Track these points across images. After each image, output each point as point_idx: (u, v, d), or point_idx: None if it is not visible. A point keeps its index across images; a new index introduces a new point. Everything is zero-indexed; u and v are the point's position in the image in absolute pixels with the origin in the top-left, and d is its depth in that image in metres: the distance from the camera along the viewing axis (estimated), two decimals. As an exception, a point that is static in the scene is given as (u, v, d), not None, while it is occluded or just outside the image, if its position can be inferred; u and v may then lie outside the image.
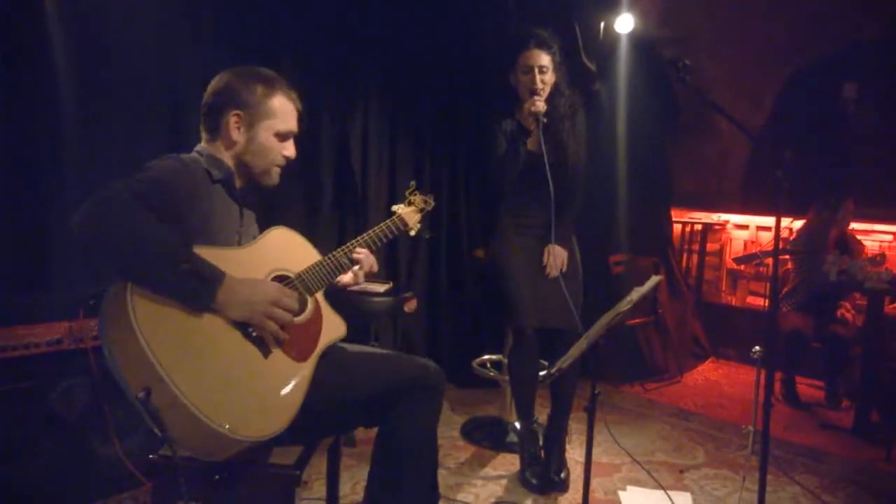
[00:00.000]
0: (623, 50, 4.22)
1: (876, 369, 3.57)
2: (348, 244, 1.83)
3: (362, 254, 1.84)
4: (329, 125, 3.42)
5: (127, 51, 2.55)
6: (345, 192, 3.52)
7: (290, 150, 1.75)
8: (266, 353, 1.52)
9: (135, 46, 2.57)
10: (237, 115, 1.66)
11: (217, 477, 1.46)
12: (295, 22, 3.17)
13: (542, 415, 2.97)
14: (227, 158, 1.70)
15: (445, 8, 3.83)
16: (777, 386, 4.08)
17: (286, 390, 1.53)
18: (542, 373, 2.89)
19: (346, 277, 1.90)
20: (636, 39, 4.27)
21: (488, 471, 2.88)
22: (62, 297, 2.19)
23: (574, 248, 2.83)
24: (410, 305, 2.98)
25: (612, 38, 4.20)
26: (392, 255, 3.80)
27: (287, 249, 1.74)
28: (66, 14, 2.35)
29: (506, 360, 3.24)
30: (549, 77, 2.63)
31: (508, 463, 2.95)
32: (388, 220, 1.95)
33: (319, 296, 1.74)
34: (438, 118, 3.94)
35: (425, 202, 2.10)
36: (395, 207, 2.04)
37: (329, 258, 1.77)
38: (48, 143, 2.35)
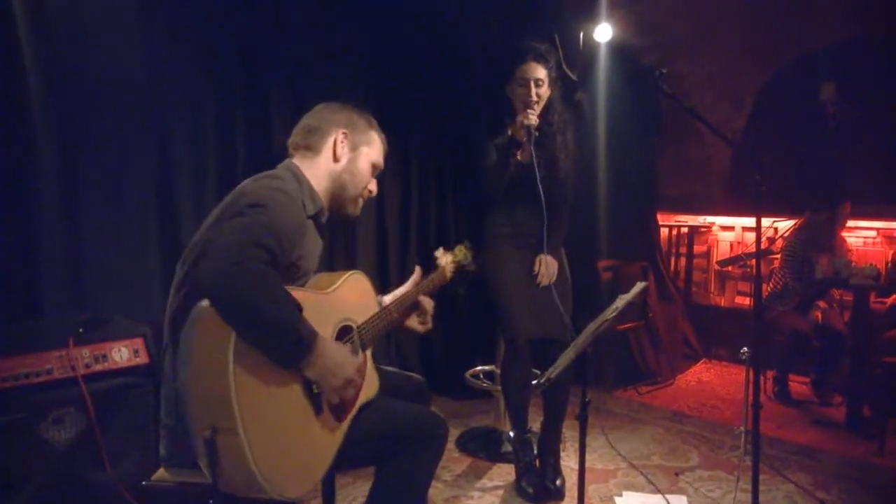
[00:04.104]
0: (603, 59, 4.27)
1: (865, 364, 3.61)
2: (396, 301, 1.96)
3: (425, 300, 2.02)
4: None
5: (111, 76, 2.55)
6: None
7: (374, 185, 1.90)
8: (318, 411, 1.55)
9: (119, 68, 2.57)
10: (345, 133, 1.79)
11: (210, 501, 1.46)
12: (282, 37, 3.18)
13: (535, 423, 2.98)
14: (324, 180, 1.78)
15: (432, 19, 3.86)
16: (769, 384, 4.11)
17: (323, 454, 1.57)
18: (533, 382, 2.91)
19: (414, 323, 2.04)
20: (616, 48, 4.31)
21: (484, 482, 2.89)
22: (51, 326, 2.19)
23: (562, 257, 2.85)
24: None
25: (592, 47, 4.25)
26: (382, 266, 3.81)
27: (357, 297, 1.82)
28: (45, 33, 2.35)
29: (499, 371, 3.25)
30: (545, 91, 2.66)
31: (504, 473, 2.96)
32: (432, 275, 2.10)
33: (368, 352, 1.81)
34: (426, 129, 3.97)
35: (465, 257, 2.25)
36: (438, 253, 2.19)
37: (384, 311, 1.88)
38: (34, 172, 2.35)
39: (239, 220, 1.47)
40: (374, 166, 1.87)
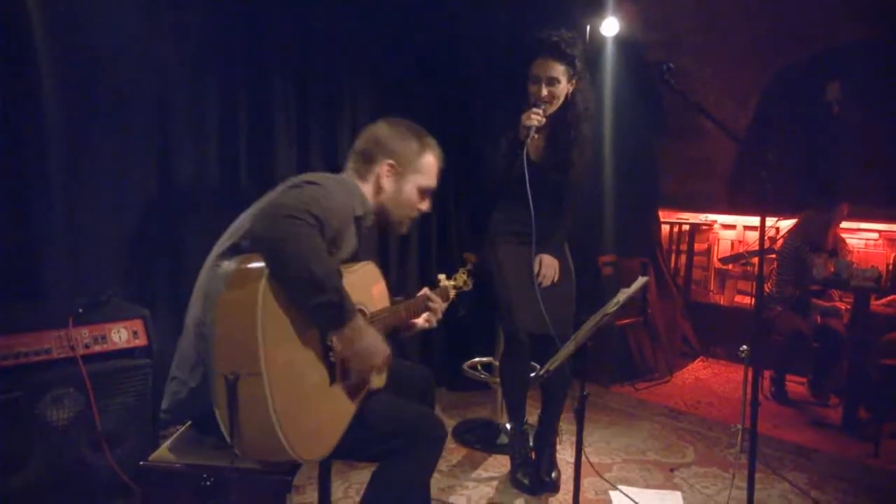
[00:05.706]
0: (609, 53, 4.26)
1: (863, 366, 3.61)
2: (406, 303, 1.96)
3: (437, 303, 2.01)
4: (318, 129, 3.41)
5: (113, 60, 2.54)
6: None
7: (425, 205, 1.91)
8: (332, 380, 1.57)
9: (120, 52, 2.56)
10: (391, 164, 1.80)
11: (208, 483, 1.46)
12: (286, 35, 3.15)
13: (532, 416, 2.99)
14: (372, 202, 1.82)
15: (440, 9, 3.84)
16: (766, 384, 4.12)
17: (337, 422, 1.58)
18: (531, 375, 2.90)
19: (420, 321, 2.03)
20: (622, 43, 4.30)
21: (480, 472, 2.89)
22: (51, 306, 2.19)
23: (566, 255, 2.83)
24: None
25: (598, 41, 4.23)
26: (383, 259, 3.80)
27: (370, 285, 1.84)
28: (52, 20, 2.34)
29: (496, 363, 3.25)
30: (560, 88, 2.57)
31: (500, 464, 2.96)
32: (436, 290, 2.10)
33: None
34: (429, 121, 3.92)
35: (465, 283, 2.26)
36: (441, 277, 2.18)
37: (395, 308, 1.90)
38: (35, 152, 2.35)
39: (295, 190, 1.55)
40: (423, 190, 1.87)
